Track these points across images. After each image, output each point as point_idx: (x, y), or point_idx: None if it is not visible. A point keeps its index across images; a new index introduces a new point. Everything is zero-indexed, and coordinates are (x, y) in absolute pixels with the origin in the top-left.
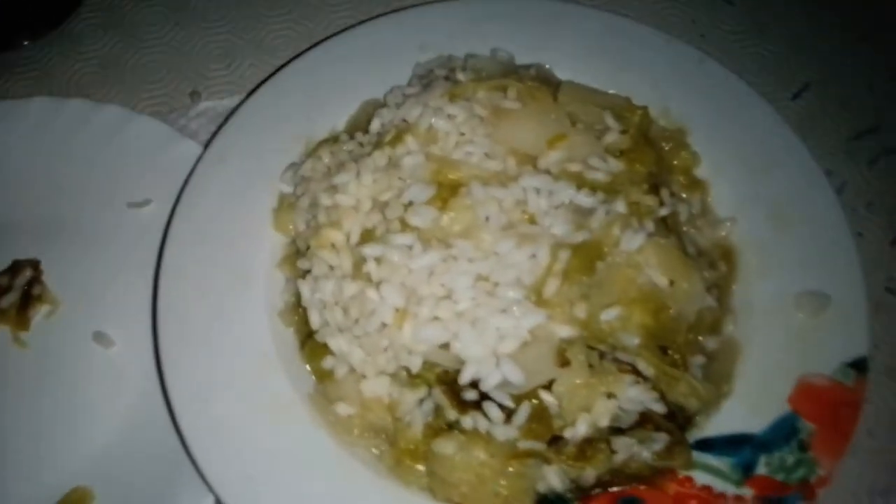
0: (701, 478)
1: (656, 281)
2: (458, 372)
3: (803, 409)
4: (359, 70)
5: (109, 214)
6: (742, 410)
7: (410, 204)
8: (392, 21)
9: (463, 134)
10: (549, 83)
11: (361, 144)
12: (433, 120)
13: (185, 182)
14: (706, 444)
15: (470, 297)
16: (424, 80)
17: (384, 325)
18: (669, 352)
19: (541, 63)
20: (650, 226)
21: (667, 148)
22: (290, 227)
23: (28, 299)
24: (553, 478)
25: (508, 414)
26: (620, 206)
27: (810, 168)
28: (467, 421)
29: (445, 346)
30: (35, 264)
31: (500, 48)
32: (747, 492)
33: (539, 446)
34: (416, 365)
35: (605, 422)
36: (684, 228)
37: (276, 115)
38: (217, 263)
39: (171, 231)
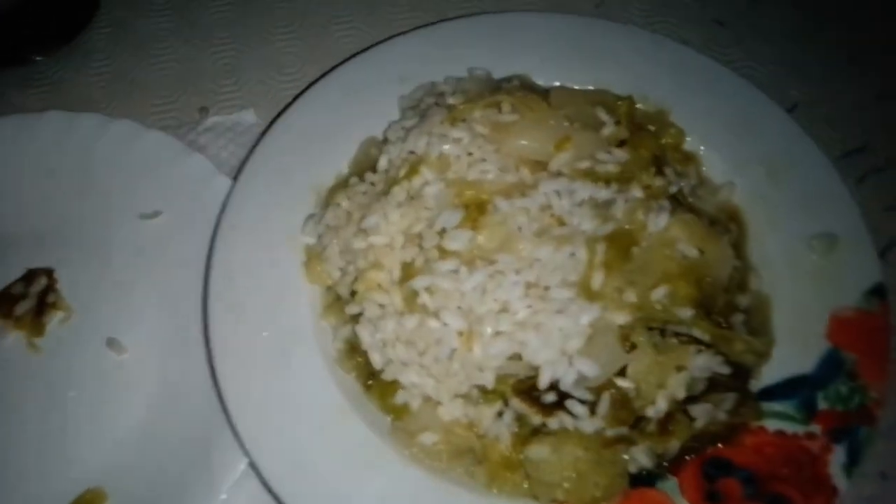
0: (772, 424)
1: (688, 253)
2: (530, 379)
3: (841, 342)
4: (347, 112)
5: (121, 225)
6: (788, 355)
7: (444, 231)
8: (368, 59)
9: (471, 154)
10: (535, 91)
11: (373, 184)
12: (443, 147)
13: (209, 257)
14: (767, 393)
15: (526, 306)
16: (417, 110)
17: (453, 350)
18: (713, 316)
19: (519, 73)
20: (667, 204)
21: (653, 129)
22: (324, 276)
23: (42, 307)
24: (641, 457)
25: (591, 407)
26: (636, 192)
27: (790, 124)
28: (553, 422)
29: (514, 357)
30: (49, 273)
31: (475, 67)
32: (815, 428)
33: (625, 431)
34: (489, 381)
35: (681, 394)
36: (690, 200)
37: (280, 173)
38: (263, 327)
39: (210, 309)
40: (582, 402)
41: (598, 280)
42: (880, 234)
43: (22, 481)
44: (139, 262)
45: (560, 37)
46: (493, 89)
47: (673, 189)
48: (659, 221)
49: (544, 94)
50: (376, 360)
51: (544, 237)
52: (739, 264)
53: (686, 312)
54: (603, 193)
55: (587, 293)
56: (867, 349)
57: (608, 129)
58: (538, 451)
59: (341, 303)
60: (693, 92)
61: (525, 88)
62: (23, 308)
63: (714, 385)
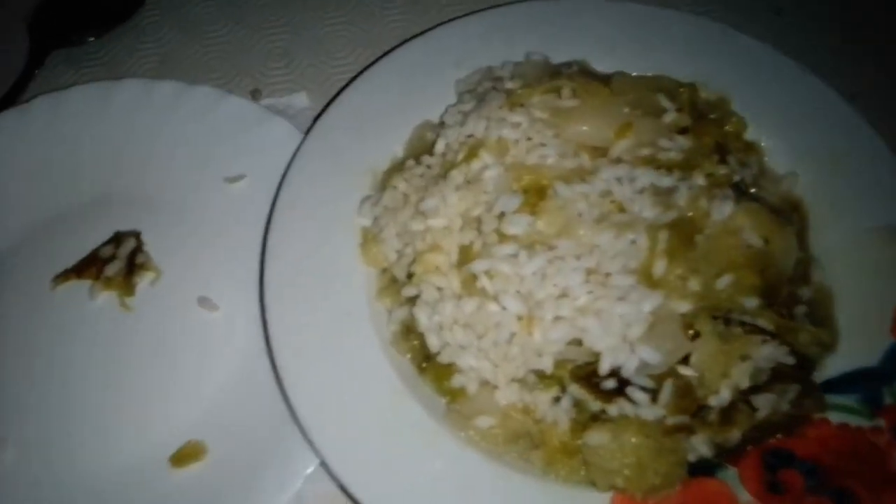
0: (835, 418)
1: (752, 243)
2: (588, 365)
3: None
4: (403, 95)
5: (206, 189)
6: (851, 348)
7: (503, 215)
8: (424, 43)
9: (530, 139)
10: (594, 77)
11: (430, 167)
12: (502, 131)
13: (265, 238)
14: (830, 386)
15: (587, 292)
16: (474, 94)
17: (513, 334)
18: (776, 307)
19: (577, 59)
20: (730, 193)
21: (713, 118)
22: (380, 258)
23: (132, 268)
24: (701, 446)
25: (652, 395)
26: (699, 180)
27: (851, 115)
28: (612, 409)
29: (573, 342)
30: (137, 235)
31: (533, 51)
32: (881, 423)
33: (686, 420)
34: (548, 365)
35: (745, 383)
36: (752, 190)
37: (336, 155)
38: (320, 308)
39: (266, 288)
40: (643, 389)
41: (660, 267)
42: None
43: (123, 435)
44: (225, 225)
45: (617, 23)
46: (551, 74)
47: (736, 178)
48: (723, 210)
49: (604, 80)
50: (433, 342)
51: (604, 223)
52: (802, 255)
53: (751, 302)
54: (665, 181)
55: (649, 280)
56: None
57: (670, 117)
58: (598, 437)
59: (397, 285)
60: (753, 80)
61: (584, 74)
62: (113, 269)
63: (777, 376)
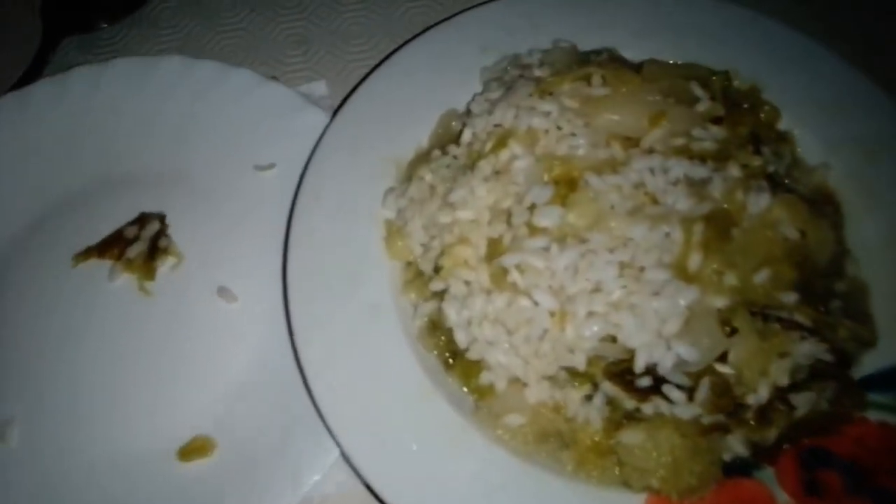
0: (874, 416)
1: (789, 235)
2: (622, 362)
3: None
4: (427, 83)
5: (235, 175)
6: (888, 345)
7: (533, 207)
8: (450, 28)
9: (560, 128)
10: (625, 65)
11: (456, 157)
12: (532, 120)
13: (288, 229)
14: (869, 383)
15: (620, 286)
16: (501, 82)
17: (545, 330)
18: (812, 302)
19: (606, 46)
20: (766, 184)
21: (746, 107)
22: (405, 252)
23: (154, 251)
24: (737, 445)
25: (689, 393)
26: (735, 171)
27: (882, 102)
28: (647, 407)
29: (606, 339)
30: (161, 217)
31: (561, 38)
32: None
33: (722, 418)
34: (580, 362)
35: (784, 381)
36: (786, 181)
37: (360, 143)
38: (344, 302)
39: (290, 280)
40: (680, 387)
41: (695, 261)
42: None
43: (132, 424)
44: (252, 214)
45: (645, 10)
46: (580, 62)
47: (770, 169)
48: (760, 202)
49: (635, 68)
50: (462, 338)
51: (638, 216)
52: (836, 249)
53: (789, 297)
54: (699, 172)
55: (684, 275)
56: None
57: (703, 105)
58: (633, 436)
59: (423, 279)
60: (785, 69)
61: (614, 61)
62: (135, 251)
63: (814, 373)
